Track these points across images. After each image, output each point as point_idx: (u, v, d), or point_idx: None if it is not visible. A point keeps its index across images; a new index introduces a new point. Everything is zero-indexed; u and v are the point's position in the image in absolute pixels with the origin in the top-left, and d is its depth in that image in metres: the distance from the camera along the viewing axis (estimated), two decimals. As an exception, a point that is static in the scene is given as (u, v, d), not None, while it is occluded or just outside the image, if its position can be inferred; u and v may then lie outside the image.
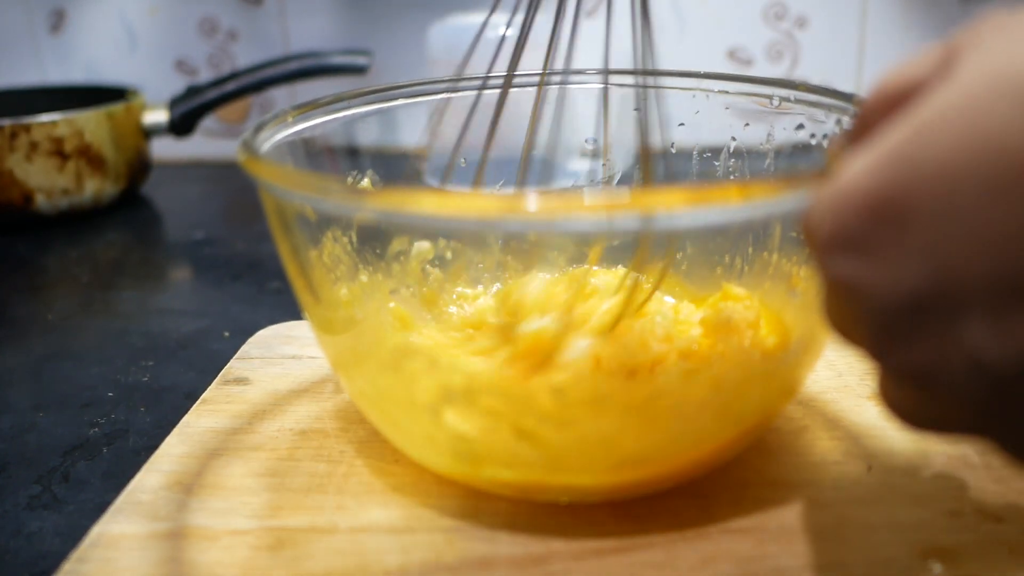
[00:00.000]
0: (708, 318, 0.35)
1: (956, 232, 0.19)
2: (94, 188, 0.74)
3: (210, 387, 0.41)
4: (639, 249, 0.36)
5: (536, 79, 0.41)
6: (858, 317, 0.21)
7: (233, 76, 0.79)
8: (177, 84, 0.88)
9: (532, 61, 0.38)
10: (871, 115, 0.23)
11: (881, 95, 0.23)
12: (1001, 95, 0.18)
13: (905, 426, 0.23)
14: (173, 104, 0.79)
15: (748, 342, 0.33)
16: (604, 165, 0.43)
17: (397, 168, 0.41)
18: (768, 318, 0.36)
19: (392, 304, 0.39)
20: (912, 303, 0.20)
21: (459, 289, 0.43)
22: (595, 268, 0.42)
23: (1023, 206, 0.18)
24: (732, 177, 0.41)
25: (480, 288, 0.44)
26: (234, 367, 0.43)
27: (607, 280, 0.39)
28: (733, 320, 0.34)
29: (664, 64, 0.37)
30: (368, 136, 0.40)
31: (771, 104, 0.37)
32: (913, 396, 0.22)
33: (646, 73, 0.38)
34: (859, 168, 0.20)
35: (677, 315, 0.38)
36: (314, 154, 0.37)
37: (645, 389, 0.30)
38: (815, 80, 0.81)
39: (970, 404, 0.20)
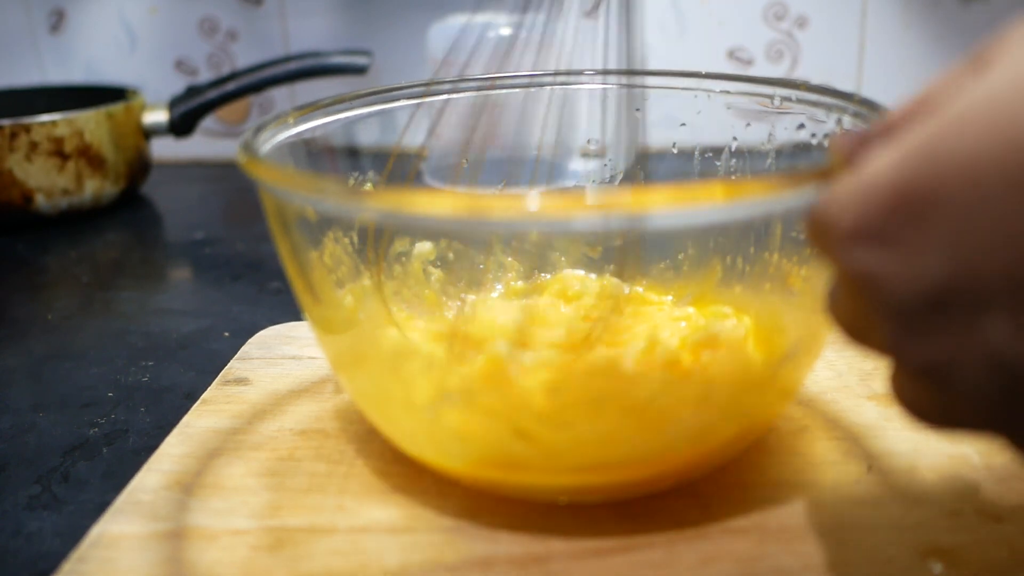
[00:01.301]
0: (693, 338, 0.34)
1: (981, 226, 0.18)
2: (94, 188, 0.74)
3: (210, 387, 0.41)
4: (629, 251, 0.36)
5: (539, 80, 0.41)
6: (875, 312, 0.21)
7: (233, 76, 0.79)
8: (177, 84, 0.88)
9: (532, 62, 0.37)
10: (900, 120, 0.23)
11: (915, 102, 0.23)
12: None
13: (917, 422, 0.23)
14: (173, 104, 0.79)
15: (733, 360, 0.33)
16: (605, 165, 0.43)
17: (398, 169, 0.41)
18: (759, 334, 0.36)
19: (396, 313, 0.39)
20: (934, 297, 0.20)
21: (462, 296, 0.43)
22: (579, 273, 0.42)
23: None
24: (733, 177, 0.41)
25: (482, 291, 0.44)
26: (234, 367, 0.43)
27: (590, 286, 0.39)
28: (719, 339, 0.34)
29: (664, 64, 0.37)
30: (369, 137, 0.40)
31: (772, 104, 0.37)
32: (927, 392, 0.22)
33: (649, 74, 0.39)
34: (885, 161, 0.20)
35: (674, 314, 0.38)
36: (314, 155, 0.37)
37: (641, 391, 0.30)
38: (815, 80, 0.81)
39: (986, 401, 0.20)
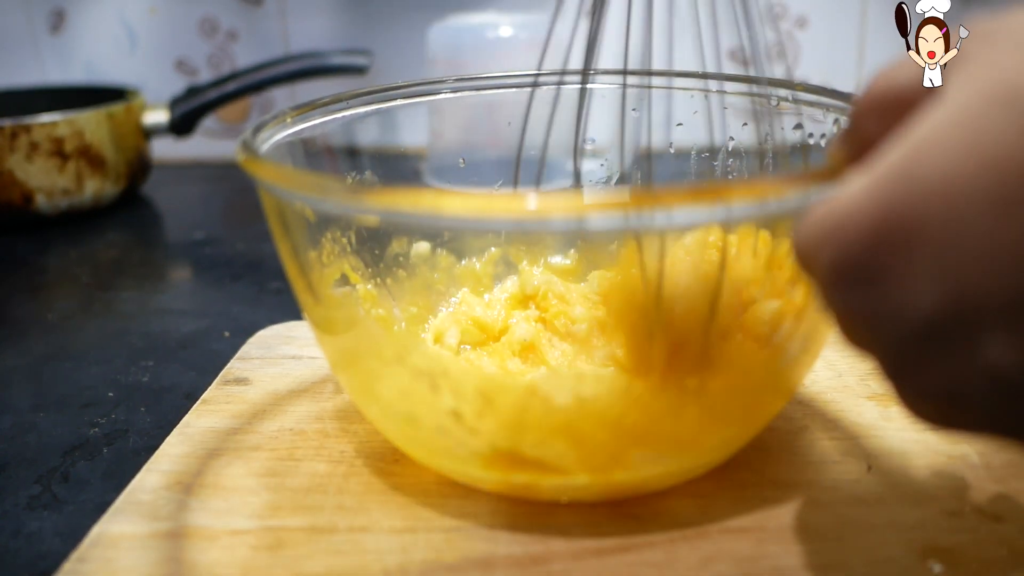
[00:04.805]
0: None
1: (965, 249, 0.18)
2: (94, 188, 0.74)
3: (210, 387, 0.41)
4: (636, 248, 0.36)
5: (537, 80, 0.41)
6: (868, 348, 0.21)
7: (233, 76, 0.79)
8: (177, 84, 0.88)
9: (531, 62, 0.37)
10: (862, 119, 0.23)
11: (870, 99, 0.23)
12: (995, 105, 0.18)
13: (919, 424, 0.23)
14: (173, 104, 0.79)
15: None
16: (602, 165, 0.43)
17: (396, 168, 0.41)
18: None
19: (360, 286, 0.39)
20: (927, 329, 0.19)
21: (464, 290, 0.43)
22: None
23: None
24: (730, 177, 0.41)
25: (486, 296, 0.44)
26: (234, 367, 0.43)
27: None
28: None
29: (663, 64, 0.37)
30: (367, 136, 0.40)
31: (769, 104, 0.37)
32: (936, 408, 0.21)
33: (646, 74, 0.38)
34: (857, 189, 0.20)
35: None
36: (313, 154, 0.37)
37: (639, 390, 0.30)
38: (815, 80, 0.81)
39: (990, 415, 0.20)
